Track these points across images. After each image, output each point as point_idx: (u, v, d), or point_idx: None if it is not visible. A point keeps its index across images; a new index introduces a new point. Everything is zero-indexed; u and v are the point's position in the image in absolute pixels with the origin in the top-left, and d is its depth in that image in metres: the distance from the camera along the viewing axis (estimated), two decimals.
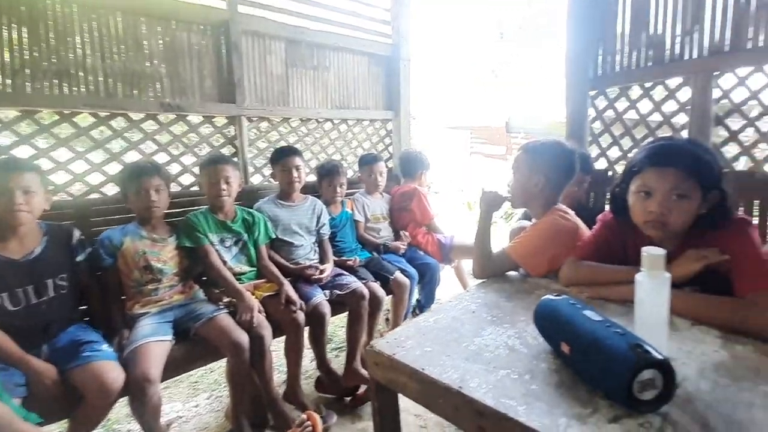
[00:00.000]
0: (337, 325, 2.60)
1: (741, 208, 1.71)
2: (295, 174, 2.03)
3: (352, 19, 2.79)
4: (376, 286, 2.08)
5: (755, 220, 1.78)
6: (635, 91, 2.17)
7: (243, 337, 1.52)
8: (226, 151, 2.29)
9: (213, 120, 2.26)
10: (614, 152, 2.27)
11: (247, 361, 1.53)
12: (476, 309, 1.06)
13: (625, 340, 0.65)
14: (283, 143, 2.48)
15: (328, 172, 2.29)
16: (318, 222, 2.15)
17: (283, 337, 1.74)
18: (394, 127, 3.10)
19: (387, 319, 2.50)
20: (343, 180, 2.30)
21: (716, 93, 1.88)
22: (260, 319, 1.63)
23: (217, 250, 1.78)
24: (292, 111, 2.52)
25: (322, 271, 1.97)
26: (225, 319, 1.59)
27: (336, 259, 2.18)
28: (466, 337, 0.91)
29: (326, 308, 1.81)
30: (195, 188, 2.13)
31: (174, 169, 2.11)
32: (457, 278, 2.91)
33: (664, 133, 2.05)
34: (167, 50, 2.07)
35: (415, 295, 2.47)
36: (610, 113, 2.26)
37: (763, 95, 1.80)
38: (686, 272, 0.99)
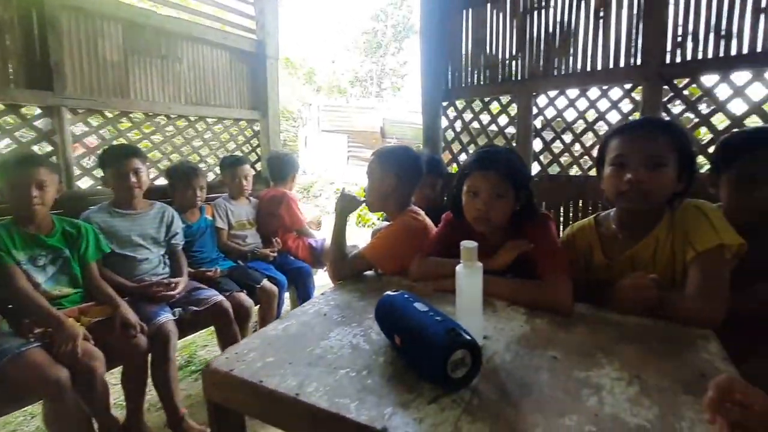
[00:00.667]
0: (198, 345, 2.36)
1: (553, 208, 2.09)
2: (134, 178, 1.75)
3: (208, 8, 2.57)
4: (242, 296, 1.95)
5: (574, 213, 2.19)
6: (478, 104, 2.48)
7: (61, 374, 1.26)
8: (40, 149, 1.89)
9: (20, 110, 1.83)
10: (464, 157, 2.56)
11: (69, 401, 1.27)
12: (328, 311, 1.06)
13: (443, 326, 0.72)
14: (122, 141, 2.15)
15: (183, 175, 2.07)
16: (168, 231, 1.91)
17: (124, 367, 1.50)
18: (261, 128, 2.96)
19: (256, 331, 2.37)
20: (201, 183, 2.10)
21: (535, 110, 2.27)
22: (87, 347, 1.37)
23: (25, 271, 1.44)
24: (133, 104, 2.20)
25: (173, 287, 1.76)
26: (37, 354, 1.30)
27: (193, 271, 1.98)
28: (312, 341, 0.90)
29: (171, 328, 1.60)
30: None
31: None
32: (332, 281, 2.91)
33: (500, 142, 2.38)
34: None
35: (286, 303, 2.39)
36: (459, 123, 2.54)
37: (566, 114, 2.24)
38: (505, 261, 1.16)
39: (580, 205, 2.10)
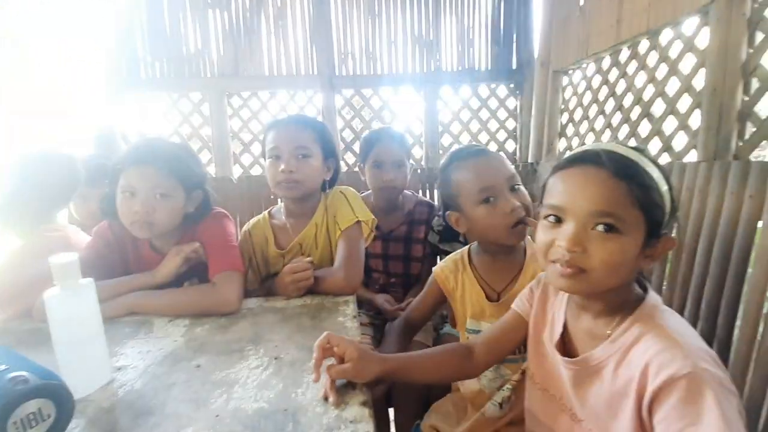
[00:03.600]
0: None
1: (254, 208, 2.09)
2: None
3: None
4: None
5: None
6: (166, 102, 2.20)
7: None
8: None
9: None
10: None
11: None
12: None
13: (2, 377, 0.51)
14: None
15: None
16: None
17: None
18: None
19: None
20: None
21: (230, 111, 2.21)
22: None
23: None
24: None
25: None
26: None
27: None
28: None
29: None
30: None
31: None
32: None
33: (196, 144, 2.20)
34: None
35: None
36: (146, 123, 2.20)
37: (262, 116, 2.28)
38: (171, 268, 1.02)
39: (279, 202, 2.19)
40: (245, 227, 1.28)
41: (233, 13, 2.16)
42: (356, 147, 2.38)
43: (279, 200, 1.33)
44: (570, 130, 2.19)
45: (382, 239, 1.54)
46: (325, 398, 0.61)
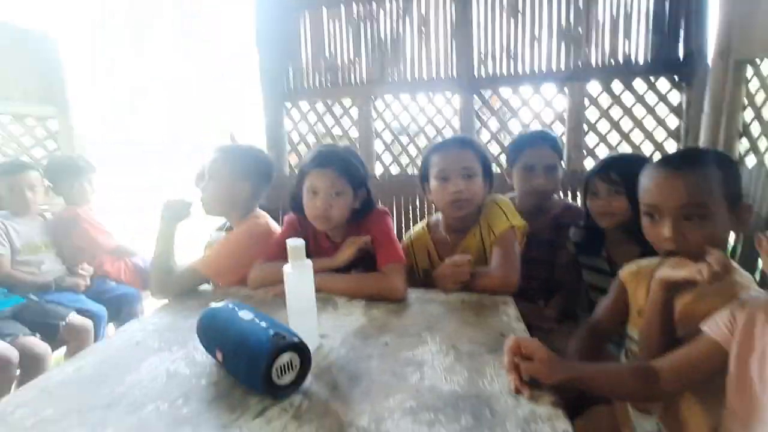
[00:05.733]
0: None
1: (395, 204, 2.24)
2: None
3: None
4: (34, 341, 1.54)
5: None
6: (321, 107, 2.48)
7: None
8: None
9: None
10: None
11: None
12: (142, 339, 0.90)
13: (266, 332, 0.67)
14: None
15: None
16: None
17: None
18: (61, 127, 2.39)
19: None
20: None
21: (374, 113, 2.40)
22: None
23: None
24: None
25: None
26: None
27: None
28: (114, 378, 0.74)
29: None
30: None
31: None
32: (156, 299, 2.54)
33: (347, 143, 2.45)
34: None
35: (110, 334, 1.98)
36: (305, 125, 2.52)
37: (402, 117, 2.42)
38: (346, 257, 1.18)
39: (418, 201, 2.31)
40: (406, 239, 1.39)
41: (381, 24, 2.33)
42: (492, 148, 2.36)
43: (435, 210, 1.39)
44: (755, 128, 1.84)
45: (525, 242, 1.51)
46: (517, 392, 0.65)
